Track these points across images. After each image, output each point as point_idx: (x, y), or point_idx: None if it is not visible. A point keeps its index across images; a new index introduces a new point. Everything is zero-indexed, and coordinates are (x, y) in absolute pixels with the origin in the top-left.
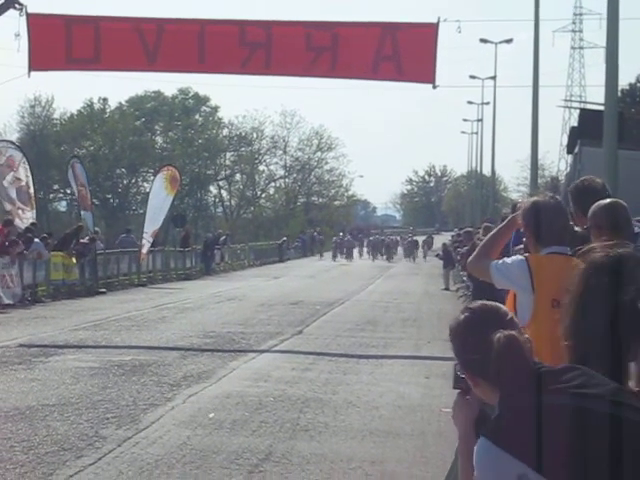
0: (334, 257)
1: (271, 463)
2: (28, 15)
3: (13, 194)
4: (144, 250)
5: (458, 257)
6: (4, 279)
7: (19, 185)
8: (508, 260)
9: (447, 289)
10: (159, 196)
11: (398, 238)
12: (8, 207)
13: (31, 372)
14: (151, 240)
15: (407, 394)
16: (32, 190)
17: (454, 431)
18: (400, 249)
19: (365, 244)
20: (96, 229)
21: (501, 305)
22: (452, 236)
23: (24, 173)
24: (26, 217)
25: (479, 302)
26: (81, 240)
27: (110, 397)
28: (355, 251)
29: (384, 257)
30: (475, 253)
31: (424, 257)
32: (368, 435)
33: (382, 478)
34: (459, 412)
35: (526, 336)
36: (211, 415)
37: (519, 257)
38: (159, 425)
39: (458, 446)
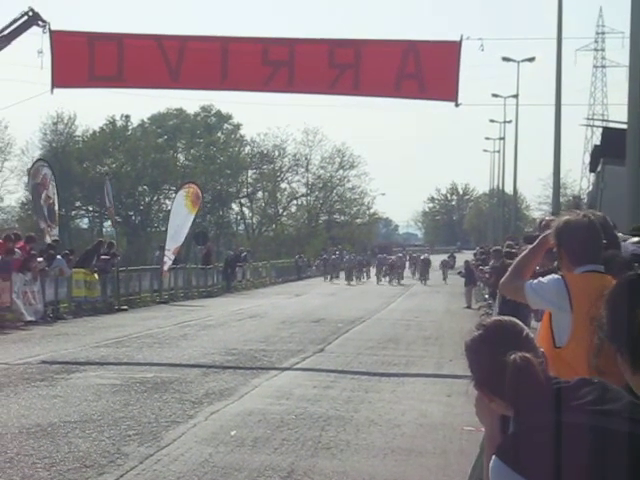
0: (347, 279)
1: None
2: (51, 32)
3: (46, 212)
4: (165, 267)
5: (486, 275)
6: (26, 296)
7: (49, 203)
8: (544, 280)
9: (469, 307)
10: (180, 214)
11: (406, 255)
12: (42, 225)
13: (53, 389)
14: (172, 257)
15: (429, 412)
16: (57, 207)
17: (476, 449)
18: (408, 270)
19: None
20: (112, 241)
21: (517, 321)
22: (474, 254)
23: (52, 191)
24: (52, 234)
25: (494, 318)
26: (102, 256)
27: (132, 414)
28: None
29: (386, 279)
30: (508, 274)
31: (443, 279)
32: (390, 453)
33: None
34: (483, 408)
35: (541, 351)
36: (233, 433)
37: (555, 276)
38: (181, 442)
39: (483, 441)
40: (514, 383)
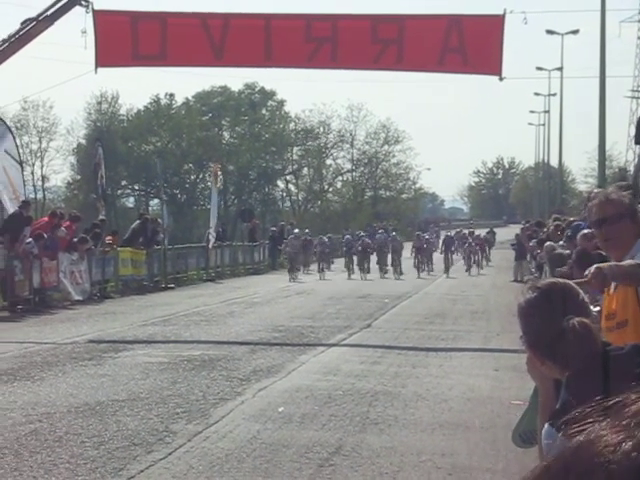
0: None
1: (341, 457)
2: (94, 12)
3: (100, 191)
4: (210, 245)
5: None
6: (73, 275)
7: (102, 182)
8: None
9: (517, 281)
10: (213, 193)
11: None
12: (98, 204)
13: (101, 368)
14: (214, 235)
15: (476, 387)
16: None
17: None
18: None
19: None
20: (158, 220)
21: (572, 284)
22: (522, 228)
23: (104, 170)
24: (102, 213)
25: (549, 280)
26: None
27: (180, 392)
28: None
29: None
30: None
31: (485, 261)
32: (438, 428)
33: (452, 471)
34: (534, 369)
35: (595, 314)
36: (281, 409)
37: None
38: (229, 419)
39: (533, 395)
40: (572, 349)
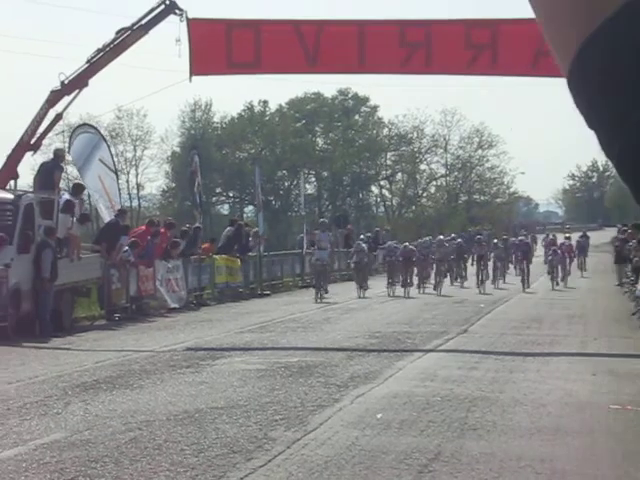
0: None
1: (440, 463)
2: (188, 20)
3: (198, 199)
4: (304, 251)
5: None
6: (169, 283)
7: (198, 190)
8: None
9: (620, 284)
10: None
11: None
12: (195, 212)
13: (199, 375)
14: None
15: (574, 391)
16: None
17: (623, 428)
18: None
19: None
20: (255, 229)
21: None
22: (618, 231)
23: (199, 178)
24: (200, 221)
25: None
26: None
27: (278, 399)
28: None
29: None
30: None
31: (581, 269)
32: (536, 433)
33: (552, 476)
34: None
35: None
36: (379, 415)
37: None
38: (327, 426)
39: None
40: None
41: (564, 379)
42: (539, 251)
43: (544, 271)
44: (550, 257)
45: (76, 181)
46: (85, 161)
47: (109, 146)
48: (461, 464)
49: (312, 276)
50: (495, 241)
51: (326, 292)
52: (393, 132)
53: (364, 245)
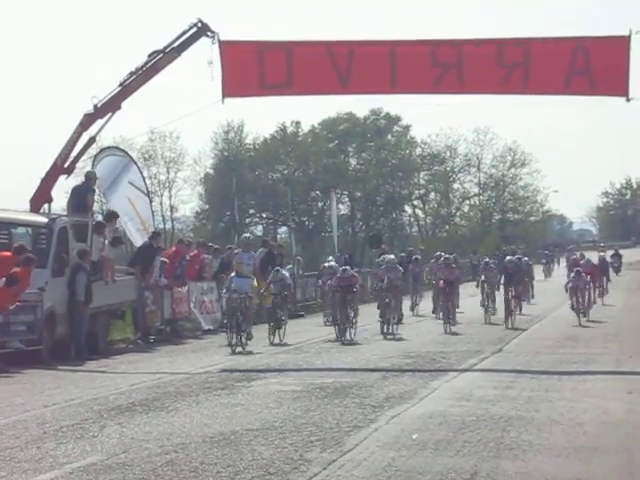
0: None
1: None
2: (220, 43)
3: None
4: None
5: None
6: (204, 305)
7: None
8: None
9: None
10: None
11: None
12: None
13: (234, 397)
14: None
15: (611, 410)
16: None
17: None
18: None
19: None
20: (298, 258)
21: None
22: None
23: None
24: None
25: None
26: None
27: (313, 420)
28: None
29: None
30: None
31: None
32: (573, 452)
33: None
34: None
35: None
36: (414, 436)
37: None
38: (363, 447)
39: None
40: None
41: (600, 397)
42: (560, 270)
43: (561, 299)
44: (571, 283)
45: (109, 208)
46: (112, 184)
47: (139, 168)
48: None
49: (225, 316)
50: (487, 260)
51: (248, 338)
52: (426, 151)
53: (397, 263)
